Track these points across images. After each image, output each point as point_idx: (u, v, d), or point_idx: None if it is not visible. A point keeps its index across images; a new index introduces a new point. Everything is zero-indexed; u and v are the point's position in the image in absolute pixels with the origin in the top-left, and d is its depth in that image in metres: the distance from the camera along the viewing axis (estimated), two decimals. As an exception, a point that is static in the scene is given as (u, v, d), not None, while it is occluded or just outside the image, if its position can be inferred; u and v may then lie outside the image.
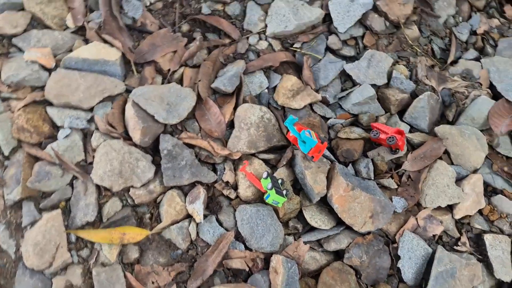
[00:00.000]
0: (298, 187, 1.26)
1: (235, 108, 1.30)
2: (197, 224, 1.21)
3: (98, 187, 1.22)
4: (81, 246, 1.17)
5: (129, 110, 1.24)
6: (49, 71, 1.31)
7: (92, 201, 1.20)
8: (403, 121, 1.32)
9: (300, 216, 1.23)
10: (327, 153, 1.23)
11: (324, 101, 1.33)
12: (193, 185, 1.24)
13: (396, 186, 1.23)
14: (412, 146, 1.29)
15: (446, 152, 1.27)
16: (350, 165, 1.26)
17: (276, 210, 1.21)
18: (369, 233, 1.18)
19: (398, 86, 1.34)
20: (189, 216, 1.23)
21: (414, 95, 1.34)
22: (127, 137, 1.25)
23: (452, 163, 1.27)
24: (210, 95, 1.32)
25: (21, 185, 1.19)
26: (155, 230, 1.20)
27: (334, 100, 1.34)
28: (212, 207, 1.22)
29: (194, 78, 1.33)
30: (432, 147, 1.26)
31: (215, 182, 1.24)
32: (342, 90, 1.36)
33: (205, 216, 1.21)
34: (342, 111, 1.33)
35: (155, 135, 1.26)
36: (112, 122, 1.26)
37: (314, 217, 1.19)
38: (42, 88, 1.30)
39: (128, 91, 1.31)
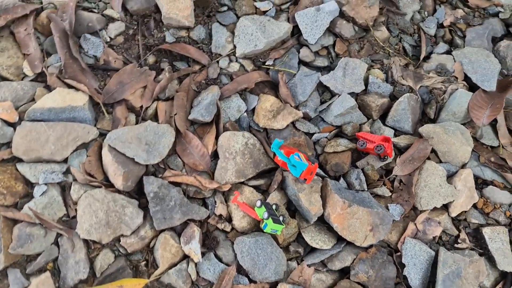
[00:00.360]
0: (293, 208, 1.23)
1: (216, 137, 1.26)
2: (196, 264, 1.17)
3: (86, 241, 1.15)
4: (78, 308, 1.11)
5: (107, 156, 1.18)
6: (13, 125, 1.23)
7: (82, 257, 1.13)
8: (386, 125, 1.31)
9: (299, 239, 1.20)
10: (317, 169, 1.21)
11: (306, 117, 1.30)
12: (185, 223, 1.20)
13: (390, 193, 1.22)
14: (399, 150, 1.28)
15: (433, 151, 1.27)
16: (342, 178, 1.24)
17: (275, 237, 1.18)
18: (371, 246, 1.16)
19: (376, 90, 1.33)
20: (186, 257, 1.18)
21: (393, 98, 1.34)
22: (108, 184, 1.19)
23: (440, 161, 1.27)
24: (189, 127, 1.28)
25: (3, 252, 1.11)
26: (153, 277, 1.15)
27: (315, 114, 1.32)
28: (208, 243, 1.18)
29: (169, 111, 1.28)
30: (419, 148, 1.25)
31: (208, 217, 1.20)
32: (322, 103, 1.33)
33: (203, 254, 1.17)
34: (324, 124, 1.31)
35: (137, 177, 1.20)
36: (90, 171, 1.19)
37: (314, 238, 1.16)
38: (8, 145, 1.21)
39: (102, 135, 1.25)
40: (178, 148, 1.25)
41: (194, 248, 1.15)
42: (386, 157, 1.24)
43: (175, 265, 1.17)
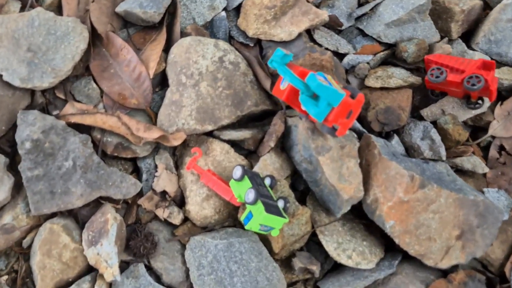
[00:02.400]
0: (302, 187, 0.66)
1: (166, 49, 0.68)
2: (110, 285, 0.60)
3: None
4: None
5: None
6: None
7: None
8: (472, 50, 0.74)
9: (312, 245, 0.64)
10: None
11: (333, 24, 0.72)
12: (93, 205, 0.63)
13: (485, 170, 0.66)
14: (499, 93, 0.71)
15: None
16: (395, 136, 0.66)
17: (265, 240, 0.61)
18: (455, 267, 0.60)
19: (455, -9, 0.75)
20: (92, 269, 0.61)
21: (484, 7, 0.76)
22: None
23: None
24: (117, 28, 0.70)
25: None
26: (21, 307, 0.58)
27: (349, 23, 0.74)
28: (136, 246, 0.61)
29: (83, 0, 0.69)
30: (536, 90, 0.68)
31: (139, 195, 0.63)
32: (360, 5, 0.76)
33: (126, 264, 0.61)
34: (365, 40, 0.73)
35: (11, 114, 0.63)
36: None
37: (342, 246, 0.60)
38: None
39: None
40: (95, 64, 0.67)
41: (106, 255, 0.58)
42: (481, 101, 0.67)
43: (68, 284, 0.60)
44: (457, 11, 0.72)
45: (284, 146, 0.66)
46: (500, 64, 0.73)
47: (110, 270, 0.59)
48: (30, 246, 0.62)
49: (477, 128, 0.70)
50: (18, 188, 0.63)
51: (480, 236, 0.57)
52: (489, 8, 0.77)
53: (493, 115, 0.69)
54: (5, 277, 0.61)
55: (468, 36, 0.76)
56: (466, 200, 0.56)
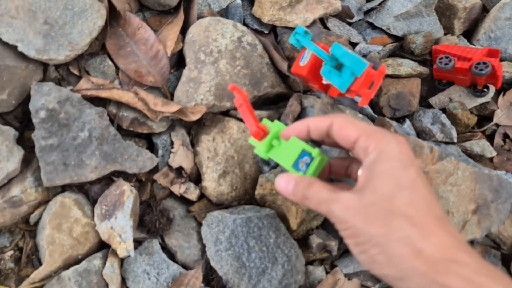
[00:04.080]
0: (315, 170, 0.66)
1: (183, 31, 0.68)
2: (122, 262, 0.58)
3: None
4: None
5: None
6: None
7: None
8: (474, 46, 0.78)
9: (329, 225, 0.63)
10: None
11: (345, 15, 0.75)
12: (107, 180, 0.61)
13: (493, 154, 0.68)
14: (501, 86, 0.74)
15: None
16: (407, 121, 0.68)
17: (283, 216, 0.61)
18: (471, 243, 0.60)
19: (456, -8, 0.80)
20: (103, 246, 0.59)
21: (483, 9, 0.81)
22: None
23: None
24: (135, 10, 0.70)
25: None
26: (26, 284, 0.55)
27: (358, 17, 0.77)
28: (151, 222, 0.59)
29: (101, -19, 0.70)
30: (535, 83, 0.72)
31: (154, 170, 0.62)
32: (369, 0, 0.79)
33: (137, 243, 0.58)
34: (374, 32, 0.76)
35: (23, 87, 0.61)
36: None
37: (360, 223, 0.60)
38: None
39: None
40: (111, 43, 0.66)
41: (120, 229, 0.56)
42: (486, 89, 0.70)
43: (77, 261, 0.57)
44: (460, 7, 0.76)
45: (299, 127, 0.66)
46: (500, 59, 0.76)
47: (124, 245, 0.56)
48: (37, 223, 0.59)
49: (482, 118, 0.73)
50: (27, 163, 0.60)
51: (495, 211, 0.58)
52: (486, 11, 0.82)
53: (496, 105, 0.72)
54: (10, 253, 0.57)
55: (469, 34, 0.80)
56: (482, 174, 0.58)
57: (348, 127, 0.42)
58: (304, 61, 0.60)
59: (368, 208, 0.38)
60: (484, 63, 0.65)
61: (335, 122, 0.43)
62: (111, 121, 0.62)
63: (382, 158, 0.39)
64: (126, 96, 0.62)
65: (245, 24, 0.73)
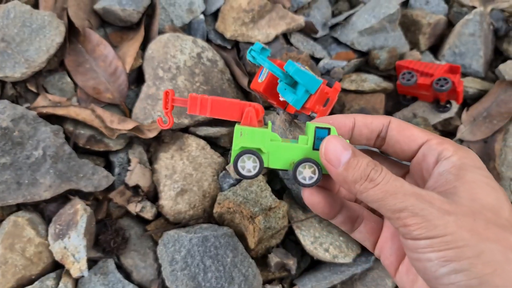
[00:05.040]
0: (277, 187, 0.65)
1: (144, 47, 0.68)
2: (76, 282, 0.57)
3: None
4: None
5: None
6: None
7: None
8: (440, 61, 0.78)
9: (288, 242, 0.63)
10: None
11: (309, 30, 0.75)
12: (64, 199, 0.60)
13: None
14: (464, 100, 0.74)
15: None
16: (370, 137, 0.68)
17: (241, 235, 0.60)
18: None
19: (421, 7, 0.80)
20: (57, 266, 0.58)
21: (448, 24, 0.81)
22: None
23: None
24: (94, 27, 0.70)
25: None
26: (-25, 306, 0.54)
27: (323, 32, 0.77)
28: (106, 241, 0.58)
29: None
30: (499, 98, 0.72)
31: (110, 189, 0.61)
32: (334, 15, 0.79)
33: (93, 263, 0.57)
34: (339, 48, 0.76)
35: (-21, 104, 0.61)
36: None
37: (319, 239, 0.59)
38: None
39: None
40: (70, 60, 0.66)
41: (73, 248, 0.55)
42: (449, 104, 0.70)
43: (30, 282, 0.56)
44: (424, 23, 0.76)
45: (260, 143, 0.66)
46: (464, 75, 0.77)
47: (77, 265, 0.56)
48: (-10, 242, 0.58)
49: (446, 133, 0.73)
50: (-19, 181, 0.59)
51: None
52: (452, 26, 0.82)
53: (460, 120, 0.72)
54: (-40, 274, 0.56)
55: (435, 50, 0.80)
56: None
57: (411, 128, 0.37)
58: (262, 77, 0.60)
59: (475, 216, 0.31)
60: (445, 79, 0.65)
61: (393, 121, 0.38)
62: (68, 139, 0.61)
63: (470, 166, 0.34)
64: (83, 114, 0.62)
65: (208, 40, 0.73)
